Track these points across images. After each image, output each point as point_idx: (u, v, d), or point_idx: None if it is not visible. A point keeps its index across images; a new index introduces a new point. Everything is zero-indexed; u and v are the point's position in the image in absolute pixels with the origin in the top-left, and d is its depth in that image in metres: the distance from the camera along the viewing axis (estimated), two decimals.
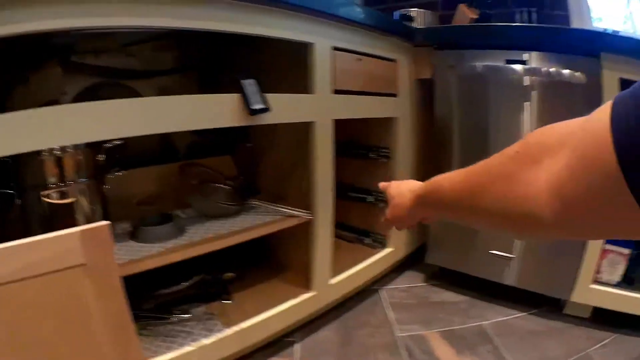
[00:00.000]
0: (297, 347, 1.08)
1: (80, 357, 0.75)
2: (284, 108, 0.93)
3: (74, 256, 0.70)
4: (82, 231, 0.69)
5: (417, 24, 1.55)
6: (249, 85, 0.91)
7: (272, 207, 1.00)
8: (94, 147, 0.89)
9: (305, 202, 1.01)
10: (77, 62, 1.02)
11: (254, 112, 0.89)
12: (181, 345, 0.92)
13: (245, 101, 0.88)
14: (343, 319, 1.20)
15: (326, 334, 1.14)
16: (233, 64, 1.21)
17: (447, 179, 0.48)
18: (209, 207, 1.00)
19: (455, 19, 1.66)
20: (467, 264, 1.34)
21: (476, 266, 1.31)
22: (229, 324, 0.97)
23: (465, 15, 1.62)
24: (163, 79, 1.13)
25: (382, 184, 0.72)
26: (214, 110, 0.83)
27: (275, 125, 0.94)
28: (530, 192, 0.34)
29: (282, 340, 1.09)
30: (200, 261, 0.97)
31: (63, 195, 0.91)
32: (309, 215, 0.99)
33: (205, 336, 0.94)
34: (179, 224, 0.96)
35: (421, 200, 0.57)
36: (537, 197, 0.33)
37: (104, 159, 0.90)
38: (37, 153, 0.89)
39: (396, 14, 1.63)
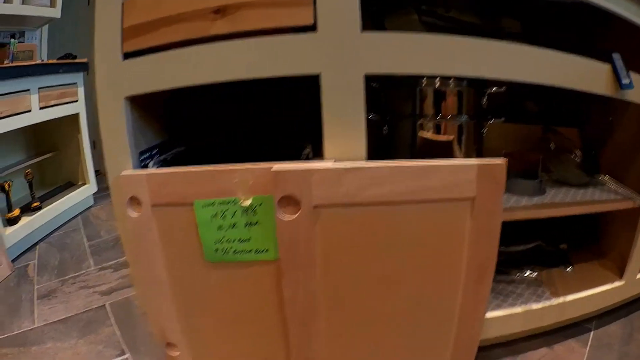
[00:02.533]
0: (591, 335, 1.06)
1: (438, 292, 0.73)
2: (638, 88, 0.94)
3: (465, 189, 0.67)
4: (480, 165, 0.66)
5: None
6: (617, 59, 0.93)
7: (615, 185, 0.99)
8: (478, 90, 0.90)
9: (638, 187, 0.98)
10: (430, 11, 1.04)
11: (624, 87, 0.90)
12: (511, 305, 0.93)
13: (615, 74, 0.90)
14: (630, 317, 1.14)
15: (614, 328, 1.09)
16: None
17: None
18: (565, 173, 1.00)
19: None
20: None
21: None
22: (556, 294, 0.96)
23: None
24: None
25: None
26: (589, 75, 0.83)
27: (624, 104, 0.95)
28: None
29: (580, 325, 1.06)
30: (531, 226, 0.97)
31: (438, 129, 0.91)
32: None
33: (535, 301, 0.94)
34: (541, 183, 0.96)
35: None
36: None
37: (486, 103, 0.91)
38: (415, 82, 0.89)
39: None
